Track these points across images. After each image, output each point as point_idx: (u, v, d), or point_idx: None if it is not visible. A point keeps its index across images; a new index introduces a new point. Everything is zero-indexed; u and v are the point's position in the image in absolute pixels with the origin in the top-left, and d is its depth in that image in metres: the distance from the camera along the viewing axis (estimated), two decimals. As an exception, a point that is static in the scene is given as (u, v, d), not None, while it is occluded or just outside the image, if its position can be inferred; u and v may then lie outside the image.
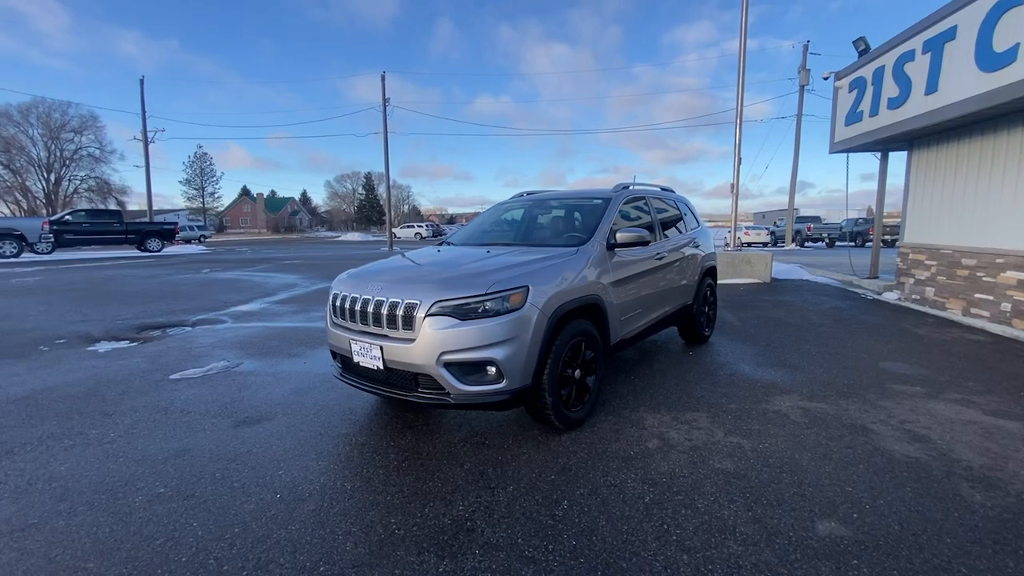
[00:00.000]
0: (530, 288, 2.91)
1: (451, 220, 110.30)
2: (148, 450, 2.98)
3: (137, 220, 25.36)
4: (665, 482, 2.57)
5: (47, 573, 1.92)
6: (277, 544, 2.09)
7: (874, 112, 7.40)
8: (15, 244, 16.02)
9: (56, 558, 2.00)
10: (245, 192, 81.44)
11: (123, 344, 5.69)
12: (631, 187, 4.64)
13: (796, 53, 25.40)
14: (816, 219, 30.58)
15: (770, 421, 3.33)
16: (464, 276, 2.99)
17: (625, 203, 4.25)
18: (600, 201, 4.16)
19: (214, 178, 67.45)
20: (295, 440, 3.12)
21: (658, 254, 4.34)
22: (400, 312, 2.86)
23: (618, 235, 3.72)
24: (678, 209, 5.26)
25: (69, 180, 49.63)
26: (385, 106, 25.97)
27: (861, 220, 27.24)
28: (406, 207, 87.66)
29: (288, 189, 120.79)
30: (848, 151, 8.92)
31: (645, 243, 3.81)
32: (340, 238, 49.01)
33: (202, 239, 21.08)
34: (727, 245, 12.49)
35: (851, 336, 5.77)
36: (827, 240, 28.09)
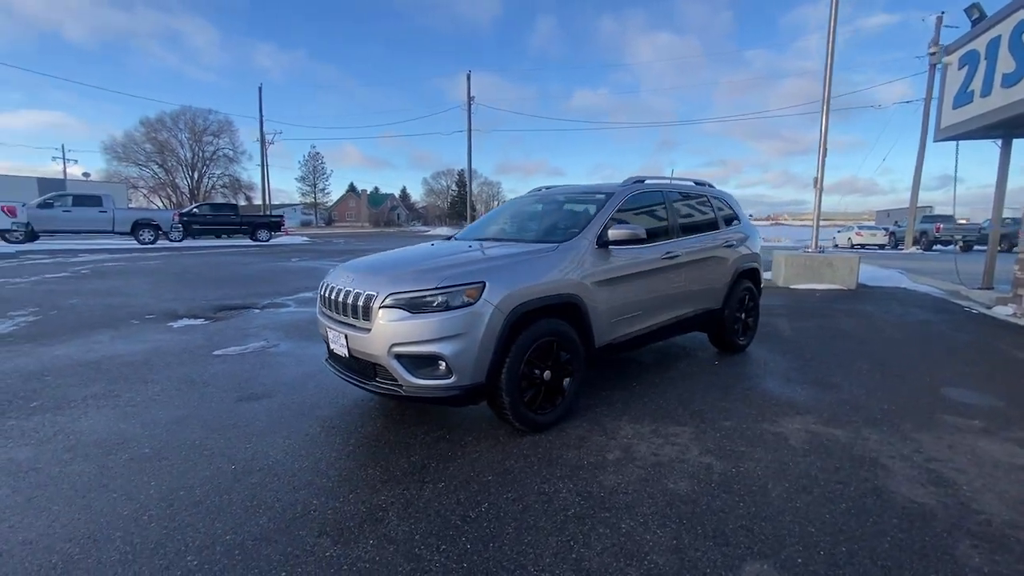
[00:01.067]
0: (487, 284, 2.86)
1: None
2: (157, 415, 3.37)
3: (250, 213, 28.50)
4: (602, 496, 2.40)
5: (20, 510, 2.25)
6: (205, 510, 2.27)
7: (986, 92, 6.21)
8: (152, 232, 18.84)
9: (34, 499, 2.35)
10: (352, 188, 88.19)
11: (196, 322, 6.44)
12: (647, 181, 4.35)
13: (931, 27, 22.05)
14: (948, 218, 26.39)
15: (762, 443, 2.97)
16: (423, 270, 3.02)
17: (632, 198, 4.00)
18: (602, 196, 3.95)
19: (325, 175, 74.18)
20: (279, 417, 3.35)
21: (669, 253, 4.03)
22: (361, 303, 2.96)
23: (610, 232, 3.52)
24: (711, 205, 4.84)
25: (208, 177, 57.32)
26: (470, 104, 26.68)
27: (1008, 221, 23.04)
28: (496, 203, 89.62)
29: (391, 186, 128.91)
30: (957, 138, 7.59)
31: (640, 240, 3.57)
32: (429, 232, 51.37)
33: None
34: (827, 246, 11.22)
35: (924, 355, 4.94)
36: (959, 243, 24.14)
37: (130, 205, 37.45)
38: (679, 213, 4.43)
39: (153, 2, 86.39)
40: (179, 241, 21.09)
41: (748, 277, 5.08)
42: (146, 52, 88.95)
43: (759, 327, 5.47)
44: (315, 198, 74.41)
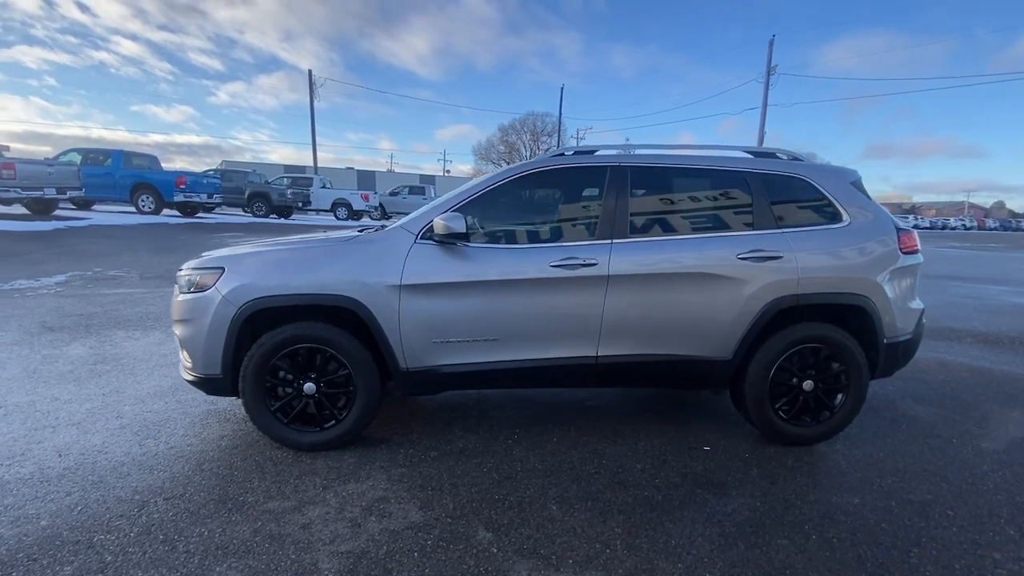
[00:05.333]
0: (225, 271, 2.62)
1: (912, 209, 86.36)
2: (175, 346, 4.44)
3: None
4: (129, 542, 1.95)
5: (28, 377, 3.44)
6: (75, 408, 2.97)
7: None
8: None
9: (36, 373, 3.54)
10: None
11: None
12: (600, 152, 2.95)
13: None
14: None
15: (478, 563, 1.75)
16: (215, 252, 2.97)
17: (526, 179, 2.83)
18: (492, 175, 2.92)
19: (634, 166, 76.39)
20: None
21: (572, 260, 2.66)
22: None
23: (434, 223, 2.62)
24: (750, 191, 2.89)
25: (540, 172, 67.13)
26: (768, 76, 22.64)
27: None
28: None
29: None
30: None
31: (462, 236, 2.53)
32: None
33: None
34: None
35: None
36: None
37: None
38: (645, 202, 2.84)
39: (538, 23, 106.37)
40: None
41: (829, 317, 2.83)
42: (527, 68, 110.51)
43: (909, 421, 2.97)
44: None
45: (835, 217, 2.91)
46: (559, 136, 35.96)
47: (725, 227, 2.87)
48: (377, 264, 2.64)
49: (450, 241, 2.64)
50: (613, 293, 2.71)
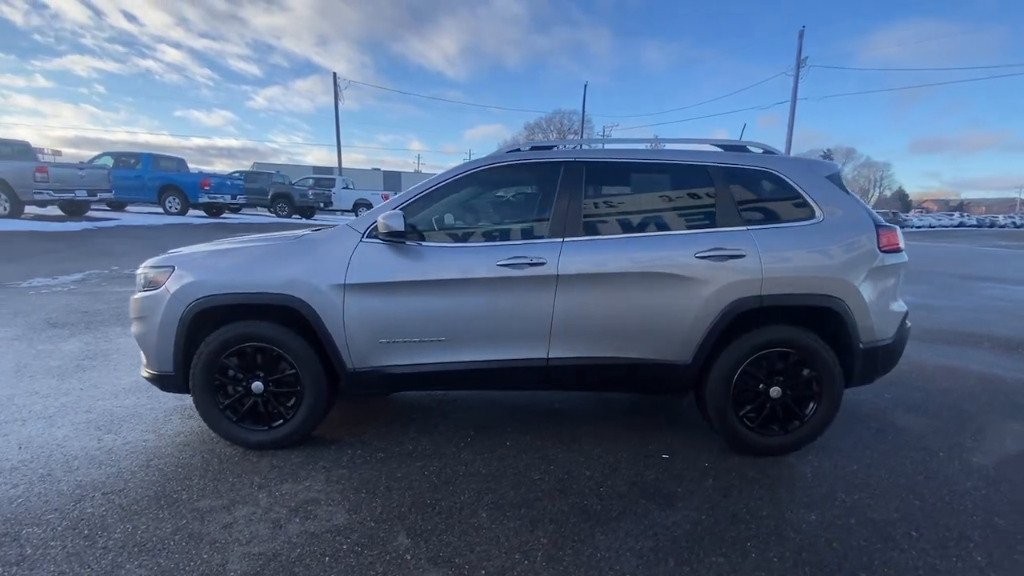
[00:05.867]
0: (175, 270, 2.65)
1: (960, 206, 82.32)
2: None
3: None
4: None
5: (21, 366, 3.61)
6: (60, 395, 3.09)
7: None
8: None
9: (27, 365, 3.69)
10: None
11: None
12: (556, 148, 2.85)
13: None
14: None
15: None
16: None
17: (475, 176, 2.76)
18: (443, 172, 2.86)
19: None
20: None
21: (521, 258, 2.58)
22: None
23: (378, 222, 2.59)
24: (713, 185, 2.74)
25: (566, 170, 66.79)
26: (798, 68, 21.82)
27: None
28: (880, 191, 70.31)
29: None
30: None
31: (404, 234, 2.49)
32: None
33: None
34: None
35: None
36: None
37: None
38: (600, 199, 2.74)
39: (568, 20, 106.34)
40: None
41: (800, 320, 2.66)
42: (556, 65, 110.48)
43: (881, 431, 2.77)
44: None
45: (807, 214, 2.73)
46: (582, 133, 35.76)
47: (685, 224, 2.73)
48: (322, 263, 2.62)
49: (394, 240, 2.60)
50: (563, 293, 2.61)
